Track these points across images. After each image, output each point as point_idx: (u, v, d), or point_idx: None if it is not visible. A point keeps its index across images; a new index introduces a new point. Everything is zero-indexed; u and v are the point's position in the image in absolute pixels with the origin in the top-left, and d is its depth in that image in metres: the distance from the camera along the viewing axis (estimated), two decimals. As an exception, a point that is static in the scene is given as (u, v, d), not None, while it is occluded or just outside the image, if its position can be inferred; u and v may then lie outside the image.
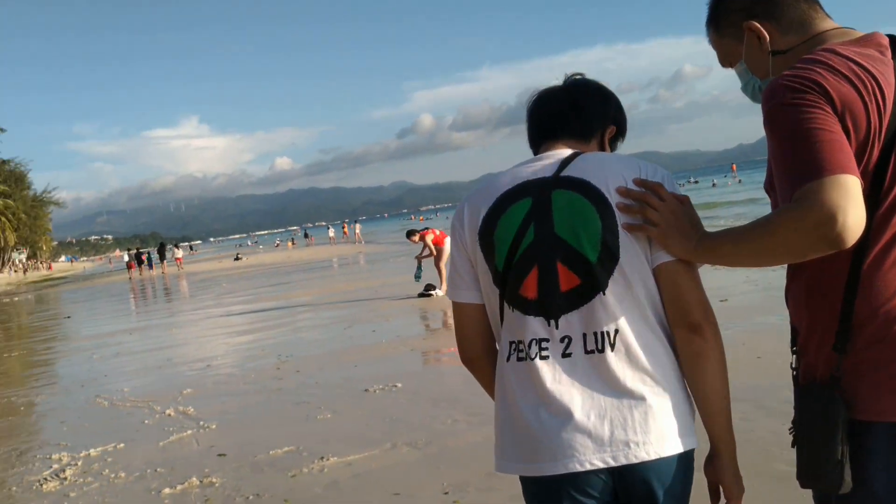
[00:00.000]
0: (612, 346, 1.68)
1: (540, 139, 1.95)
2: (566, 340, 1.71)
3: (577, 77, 1.98)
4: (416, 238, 15.40)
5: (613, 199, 1.71)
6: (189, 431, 6.48)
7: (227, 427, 6.55)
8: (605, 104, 1.94)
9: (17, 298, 38.20)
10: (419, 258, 15.34)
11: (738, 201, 36.71)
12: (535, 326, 1.73)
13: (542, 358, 1.71)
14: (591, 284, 1.69)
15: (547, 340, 1.72)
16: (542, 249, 1.72)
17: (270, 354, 10.09)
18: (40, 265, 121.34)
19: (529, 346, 1.73)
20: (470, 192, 1.91)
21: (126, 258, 51.10)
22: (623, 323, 1.68)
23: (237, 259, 48.85)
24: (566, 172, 1.77)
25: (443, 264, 14.97)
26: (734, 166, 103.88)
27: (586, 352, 1.69)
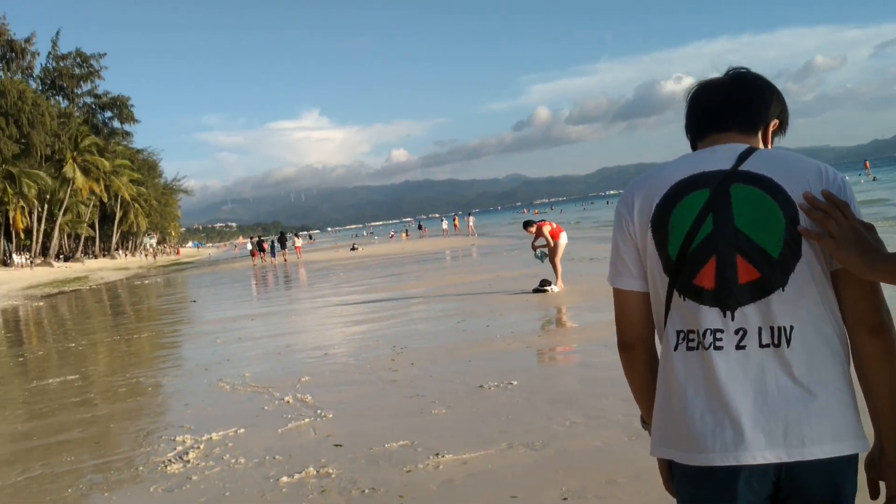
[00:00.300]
0: (788, 342, 1.68)
1: (704, 131, 1.94)
2: (741, 332, 1.70)
3: (742, 70, 1.96)
4: (533, 229, 15.21)
5: (796, 199, 1.72)
6: (307, 420, 6.55)
7: (343, 417, 6.59)
8: (770, 97, 1.93)
9: (146, 281, 40.25)
10: (535, 247, 15.17)
11: (871, 200, 34.63)
12: (711, 316, 1.72)
13: (717, 349, 1.71)
14: (771, 279, 1.70)
15: (721, 331, 1.71)
16: (721, 241, 1.73)
17: (385, 345, 10.15)
18: (169, 250, 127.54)
19: (703, 335, 1.73)
20: (635, 180, 1.91)
21: (249, 246, 52.83)
22: (800, 320, 1.69)
23: (353, 249, 49.82)
24: (745, 167, 1.77)
25: (558, 259, 14.75)
26: (867, 163, 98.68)
27: (761, 345, 1.70)
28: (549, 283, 14.42)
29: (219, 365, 10.09)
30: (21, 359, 13.11)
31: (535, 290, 14.41)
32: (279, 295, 23.37)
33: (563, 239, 14.98)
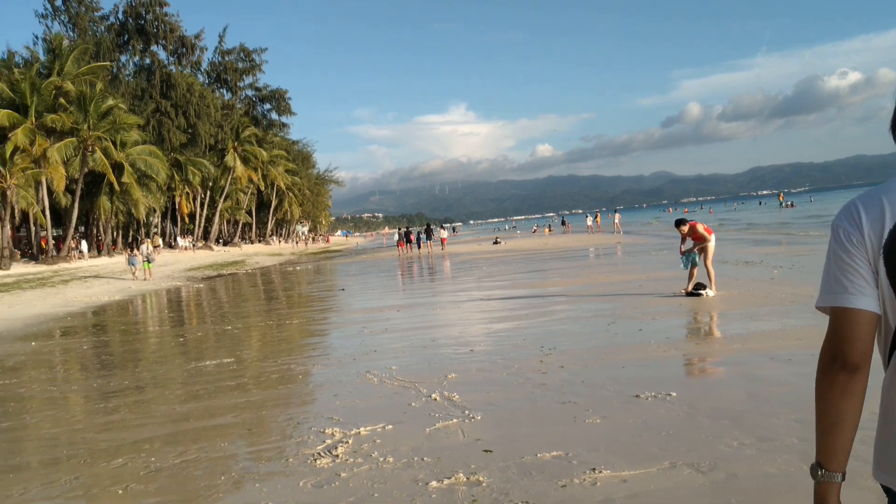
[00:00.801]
0: None
1: None
2: None
3: None
4: (685, 228, 14.50)
5: None
6: (454, 420, 6.39)
7: (491, 420, 6.38)
8: None
9: (298, 268, 41.73)
10: (686, 250, 14.45)
11: None
12: None
13: None
14: None
15: None
16: None
17: (532, 345, 9.89)
18: (319, 238, 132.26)
19: None
20: (859, 197, 1.78)
21: (395, 236, 53.82)
22: None
23: (496, 243, 49.77)
24: None
25: (709, 262, 14.02)
26: None
27: None
28: (704, 287, 13.72)
29: (366, 356, 10.15)
30: (182, 339, 13.75)
31: (689, 294, 13.76)
32: (423, 287, 23.56)
33: (713, 241, 14.28)
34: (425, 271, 30.93)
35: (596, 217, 65.31)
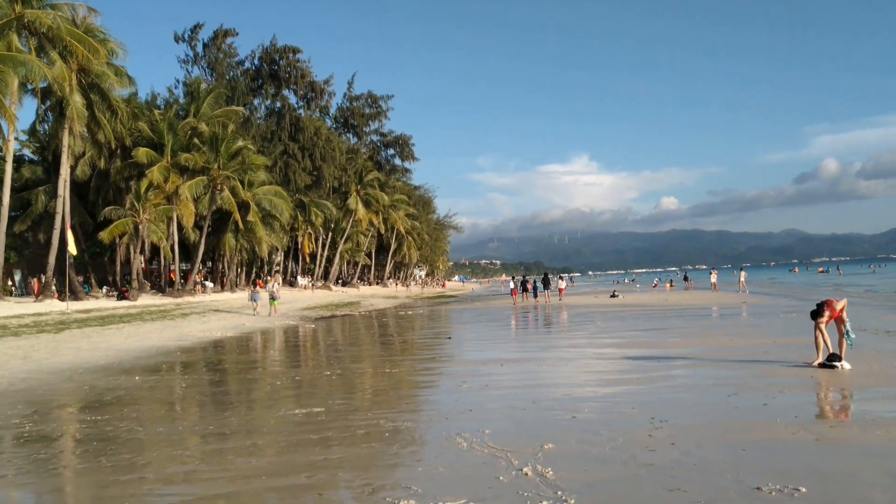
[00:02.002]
0: None
1: None
2: None
3: None
4: (825, 317, 12.78)
5: None
6: (545, 503, 5.67)
7: (586, 505, 5.63)
8: None
9: (410, 312, 41.64)
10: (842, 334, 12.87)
11: None
12: None
13: None
14: None
15: None
16: None
17: (641, 415, 9.00)
18: (435, 282, 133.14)
19: None
20: None
21: (511, 284, 53.27)
22: None
23: (613, 296, 48.30)
24: None
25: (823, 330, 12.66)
26: None
27: None
28: (839, 359, 12.40)
29: (460, 415, 9.52)
30: (278, 383, 13.49)
31: (822, 366, 12.48)
32: (532, 339, 22.75)
33: (843, 309, 12.82)
34: (537, 322, 30.08)
35: (713, 275, 61.34)
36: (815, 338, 12.80)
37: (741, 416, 8.73)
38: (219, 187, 51.64)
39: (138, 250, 47.72)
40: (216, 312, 37.10)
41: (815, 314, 12.88)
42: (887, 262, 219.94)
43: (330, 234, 79.34)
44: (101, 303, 40.50)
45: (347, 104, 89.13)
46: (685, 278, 76.25)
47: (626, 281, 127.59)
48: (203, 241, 53.61)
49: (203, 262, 58.03)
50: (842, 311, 12.78)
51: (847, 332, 12.60)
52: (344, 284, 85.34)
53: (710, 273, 58.71)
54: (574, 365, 14.73)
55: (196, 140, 51.39)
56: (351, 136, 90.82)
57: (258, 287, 42.87)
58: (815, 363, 12.62)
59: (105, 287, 51.17)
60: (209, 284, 56.48)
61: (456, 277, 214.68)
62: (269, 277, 58.42)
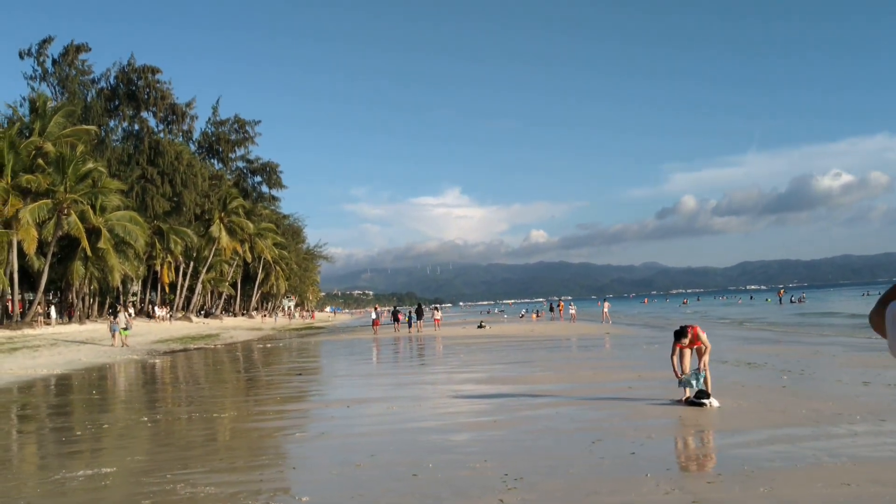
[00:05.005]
0: None
1: None
2: None
3: None
4: (687, 340, 12.13)
5: None
6: None
7: None
8: None
9: (269, 345, 39.30)
10: (680, 375, 12.12)
11: None
12: None
13: None
14: None
15: None
16: None
17: (494, 469, 7.64)
18: (304, 313, 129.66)
19: None
20: None
21: (373, 315, 52.27)
22: None
23: (480, 327, 47.61)
24: None
25: (706, 365, 11.96)
26: None
27: None
28: (707, 396, 11.57)
29: (279, 476, 7.88)
30: (79, 433, 11.36)
31: (690, 403, 11.61)
32: (391, 374, 21.25)
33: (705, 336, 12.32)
34: (398, 356, 28.62)
35: (559, 306, 64.05)
36: (672, 363, 12.05)
37: (607, 471, 7.51)
38: (65, 211, 47.60)
39: (-33, 278, 43.17)
40: (54, 346, 33.67)
41: (679, 334, 12.15)
42: (736, 293, 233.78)
43: (191, 262, 75.25)
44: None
45: (212, 129, 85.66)
46: (551, 308, 76.68)
47: (494, 311, 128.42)
48: (47, 269, 49.19)
49: (51, 291, 53.41)
50: (703, 342, 12.07)
51: (701, 371, 11.85)
52: (207, 315, 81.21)
53: (569, 305, 59.29)
54: (428, 406, 13.26)
55: (41, 161, 47.31)
56: (216, 161, 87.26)
57: (116, 319, 39.48)
58: (683, 399, 11.77)
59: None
60: (54, 315, 51.90)
61: (328, 308, 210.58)
62: (119, 307, 54.31)
